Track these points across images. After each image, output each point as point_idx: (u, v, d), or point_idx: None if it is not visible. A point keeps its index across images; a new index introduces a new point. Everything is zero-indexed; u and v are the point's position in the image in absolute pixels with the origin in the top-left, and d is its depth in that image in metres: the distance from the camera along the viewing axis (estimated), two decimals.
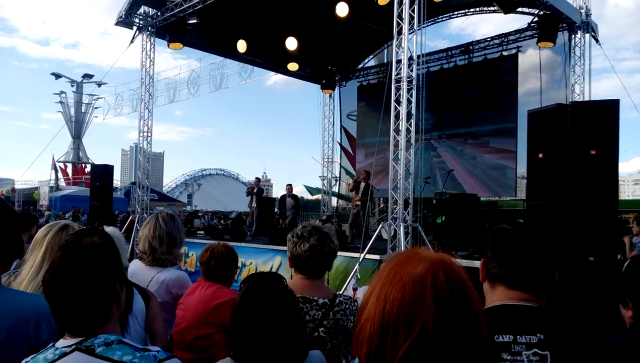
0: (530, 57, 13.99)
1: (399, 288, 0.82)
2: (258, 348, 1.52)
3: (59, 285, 1.30)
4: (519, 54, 14.09)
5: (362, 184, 11.25)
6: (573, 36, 12.56)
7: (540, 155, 6.00)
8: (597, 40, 12.48)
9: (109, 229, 2.80)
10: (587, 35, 12.30)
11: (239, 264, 3.26)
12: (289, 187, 14.15)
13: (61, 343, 1.31)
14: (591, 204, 5.61)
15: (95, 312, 1.31)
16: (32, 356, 1.33)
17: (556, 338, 1.38)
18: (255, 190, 14.20)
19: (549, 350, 1.36)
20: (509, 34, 14.29)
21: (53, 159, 33.21)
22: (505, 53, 14.39)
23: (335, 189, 19.59)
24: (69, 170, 37.55)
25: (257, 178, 15.21)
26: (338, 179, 19.38)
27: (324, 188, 19.02)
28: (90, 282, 1.31)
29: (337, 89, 18.63)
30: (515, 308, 1.43)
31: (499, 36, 14.57)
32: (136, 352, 1.28)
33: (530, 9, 13.01)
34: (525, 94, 14.00)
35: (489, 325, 1.36)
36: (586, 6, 12.17)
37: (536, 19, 13.10)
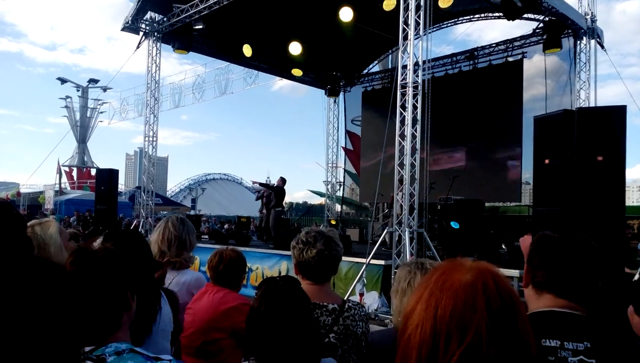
0: (536, 63, 13.99)
1: (451, 294, 0.83)
2: (281, 348, 1.51)
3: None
4: (525, 59, 14.08)
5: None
6: (578, 42, 12.56)
7: (547, 161, 5.98)
8: (602, 47, 12.48)
9: None
10: (593, 41, 12.29)
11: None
12: (280, 179, 13.29)
13: None
14: (598, 210, 5.59)
15: (105, 320, 1.29)
16: None
17: (603, 347, 1.38)
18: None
19: (595, 358, 1.36)
20: (514, 39, 14.28)
21: (58, 163, 33.36)
22: (510, 59, 14.38)
23: (339, 194, 19.59)
24: (74, 174, 37.70)
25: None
26: (342, 183, 19.38)
27: (328, 193, 19.02)
28: (100, 290, 1.29)
29: (341, 94, 18.67)
30: (564, 315, 1.44)
31: (504, 42, 14.56)
32: (148, 361, 1.25)
33: (535, 15, 13.02)
34: (531, 100, 13.97)
35: (536, 328, 1.38)
36: (592, 12, 12.16)
37: (541, 24, 13.12)
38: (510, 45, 14.37)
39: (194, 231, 3.05)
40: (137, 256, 1.96)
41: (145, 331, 1.87)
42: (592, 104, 12.11)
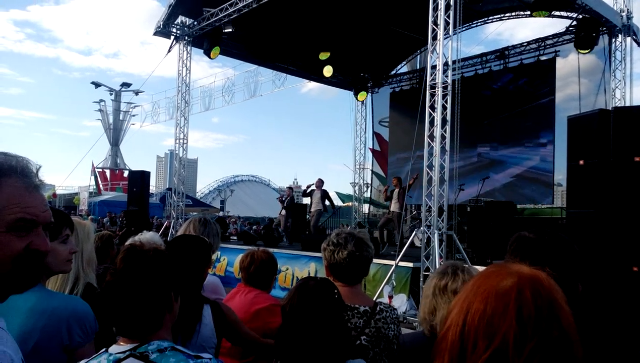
0: (570, 61, 13.67)
1: (482, 299, 0.83)
2: (307, 345, 1.53)
3: (117, 288, 1.34)
4: (558, 58, 13.77)
5: (396, 190, 11.14)
6: (614, 40, 12.23)
7: (582, 162, 5.84)
8: (638, 44, 12.13)
9: (148, 235, 2.86)
10: (629, 39, 11.97)
11: None
12: (319, 181, 13.60)
13: (114, 349, 1.32)
14: (635, 212, 5.43)
15: (148, 318, 1.33)
16: (84, 361, 1.35)
17: (593, 351, 1.36)
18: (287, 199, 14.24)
19: None
20: (547, 38, 14.00)
21: (93, 165, 34.25)
22: (542, 58, 14.09)
23: (367, 195, 19.51)
24: (107, 175, 38.60)
25: (289, 187, 15.28)
26: (369, 185, 19.31)
27: (355, 194, 18.98)
28: (145, 288, 1.34)
29: (369, 95, 18.62)
30: None
31: (536, 40, 14.29)
32: (189, 359, 1.28)
33: (568, 13, 12.73)
34: (565, 100, 13.67)
35: None
36: (627, 9, 11.84)
37: (575, 22, 12.82)
38: (542, 44, 14.09)
39: (217, 233, 3.04)
40: (188, 261, 2.02)
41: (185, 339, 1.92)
42: (627, 103, 11.77)
